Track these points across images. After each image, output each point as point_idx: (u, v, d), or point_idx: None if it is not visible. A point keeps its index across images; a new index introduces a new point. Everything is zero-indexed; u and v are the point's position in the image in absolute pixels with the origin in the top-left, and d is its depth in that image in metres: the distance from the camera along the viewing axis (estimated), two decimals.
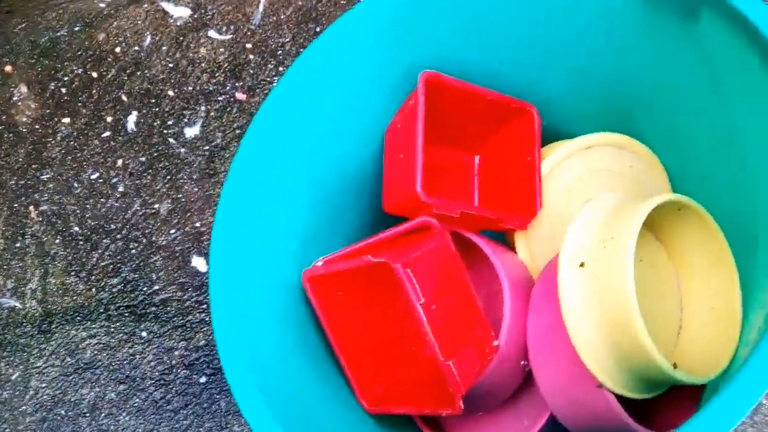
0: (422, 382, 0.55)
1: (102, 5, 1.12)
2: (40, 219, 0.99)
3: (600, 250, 0.50)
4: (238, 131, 0.98)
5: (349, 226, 0.64)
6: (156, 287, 0.91)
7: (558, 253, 0.55)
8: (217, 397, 0.84)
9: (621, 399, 0.51)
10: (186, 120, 1.00)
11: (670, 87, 0.54)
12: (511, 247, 0.64)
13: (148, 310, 0.90)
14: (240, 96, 1.01)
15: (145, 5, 1.10)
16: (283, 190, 0.57)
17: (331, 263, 0.57)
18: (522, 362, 0.57)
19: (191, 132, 0.99)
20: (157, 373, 0.87)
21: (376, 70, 0.58)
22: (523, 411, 0.62)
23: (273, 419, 0.45)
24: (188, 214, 0.94)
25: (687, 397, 0.55)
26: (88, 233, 0.96)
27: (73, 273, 0.95)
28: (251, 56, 1.03)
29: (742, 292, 0.52)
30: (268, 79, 1.01)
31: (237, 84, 1.02)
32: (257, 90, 1.01)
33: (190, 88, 1.02)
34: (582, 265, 0.51)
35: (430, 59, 0.59)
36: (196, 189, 0.96)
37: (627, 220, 0.49)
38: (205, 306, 0.89)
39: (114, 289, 0.93)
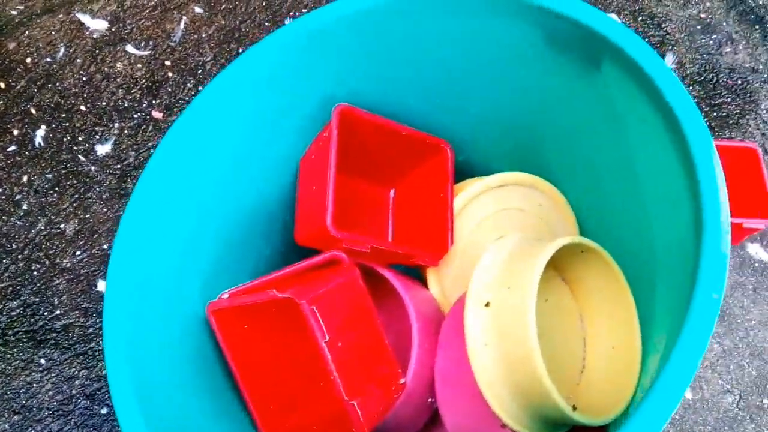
0: (327, 420, 0.54)
1: (14, 12, 1.07)
2: None
3: (504, 291, 0.50)
4: (152, 151, 0.95)
5: (259, 255, 0.63)
6: (58, 312, 0.87)
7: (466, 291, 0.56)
8: (119, 430, 0.80)
9: None
10: (98, 137, 0.97)
11: (574, 128, 0.55)
12: (423, 281, 0.64)
13: (48, 336, 0.86)
14: (156, 114, 0.98)
15: (60, 15, 1.06)
16: (189, 217, 0.55)
17: (237, 296, 0.55)
18: (429, 399, 0.57)
19: (103, 149, 0.95)
20: (55, 403, 0.82)
21: (291, 101, 0.57)
22: None
23: None
24: (96, 236, 0.90)
25: None
26: None
27: None
28: (170, 74, 1.00)
29: (641, 332, 0.53)
30: (187, 98, 0.99)
31: (154, 102, 0.99)
32: (175, 109, 0.98)
33: (104, 104, 0.99)
34: (487, 304, 0.51)
35: (346, 92, 0.58)
36: (106, 209, 0.92)
37: (530, 262, 0.49)
38: None
39: (12, 313, 0.88)
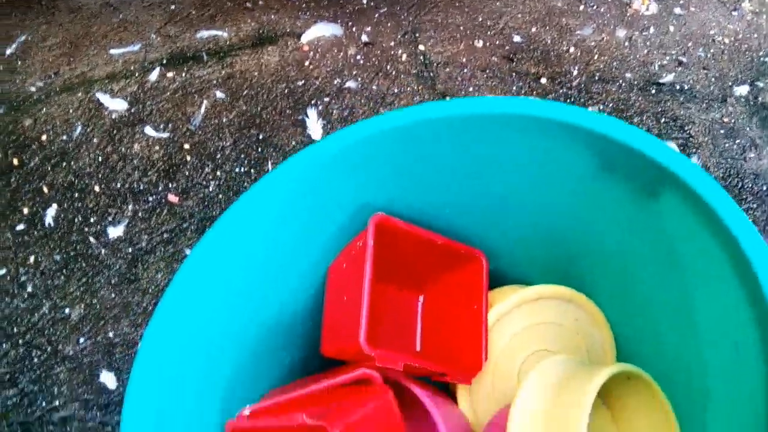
0: None
1: (32, 89, 1.07)
2: None
3: (550, 423, 0.47)
4: (165, 235, 0.93)
5: (281, 365, 0.60)
6: (56, 403, 0.82)
7: (501, 411, 0.53)
8: None
9: None
10: (110, 219, 0.94)
11: (622, 252, 0.53)
12: (453, 395, 0.60)
13: (45, 429, 0.81)
14: (172, 198, 0.96)
15: (80, 94, 1.05)
16: (211, 331, 0.52)
17: (259, 415, 0.52)
18: None
19: (115, 232, 0.93)
20: None
21: (324, 211, 0.55)
22: None
23: None
24: (102, 323, 0.87)
25: None
26: None
27: None
28: (188, 157, 0.99)
29: None
30: (204, 182, 0.97)
31: (170, 185, 0.97)
32: (191, 193, 0.96)
33: (119, 185, 0.97)
34: None
35: (382, 201, 0.56)
36: (114, 295, 0.89)
37: (576, 396, 0.46)
38: (109, 429, 0.80)
39: (9, 402, 0.83)
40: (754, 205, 0.93)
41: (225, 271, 0.52)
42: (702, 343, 0.47)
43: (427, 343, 0.62)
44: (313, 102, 1.02)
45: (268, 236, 0.53)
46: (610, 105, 1.00)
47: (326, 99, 1.02)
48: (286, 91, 1.03)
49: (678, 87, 1.02)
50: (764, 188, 0.94)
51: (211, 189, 0.96)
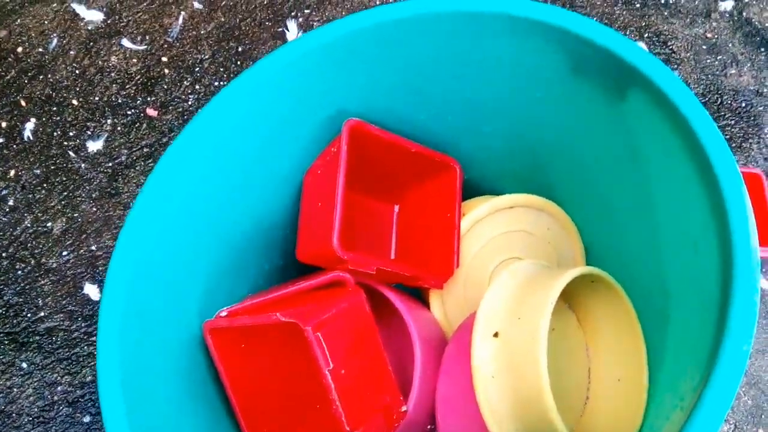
0: None
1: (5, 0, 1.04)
2: None
3: (514, 322, 0.49)
4: (146, 149, 0.93)
5: (259, 270, 0.61)
6: (41, 314, 0.84)
7: (472, 315, 0.54)
8: None
9: None
10: (89, 132, 0.94)
11: (590, 156, 0.54)
12: (425, 301, 0.62)
13: (30, 339, 0.83)
14: (151, 112, 0.95)
15: (54, 5, 1.03)
16: (189, 232, 0.53)
17: (236, 315, 0.53)
18: (429, 426, 0.56)
19: (94, 146, 0.93)
20: (36, 410, 0.80)
21: (299, 114, 0.55)
22: None
23: None
24: (84, 236, 0.88)
25: None
26: None
27: None
28: (166, 70, 0.97)
29: (650, 370, 0.52)
30: (183, 96, 0.96)
31: (149, 99, 0.96)
32: (170, 107, 0.96)
33: (97, 99, 0.96)
34: (496, 335, 0.49)
35: (356, 106, 0.56)
36: (95, 209, 0.89)
37: (543, 293, 0.48)
38: (94, 338, 0.82)
39: None
40: (732, 122, 0.93)
41: (199, 176, 0.52)
42: (663, 245, 0.49)
43: (401, 251, 0.64)
44: (293, 14, 1.00)
45: (243, 141, 0.53)
46: (594, 18, 0.99)
47: (306, 11, 1.00)
48: (265, 1, 1.01)
49: (663, 1, 1.01)
50: (743, 105, 0.95)
51: (190, 103, 0.95)
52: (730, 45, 0.99)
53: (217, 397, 0.54)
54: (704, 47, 0.98)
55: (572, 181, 0.59)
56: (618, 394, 0.55)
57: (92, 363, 0.81)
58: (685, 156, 0.43)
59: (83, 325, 0.83)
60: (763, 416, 0.77)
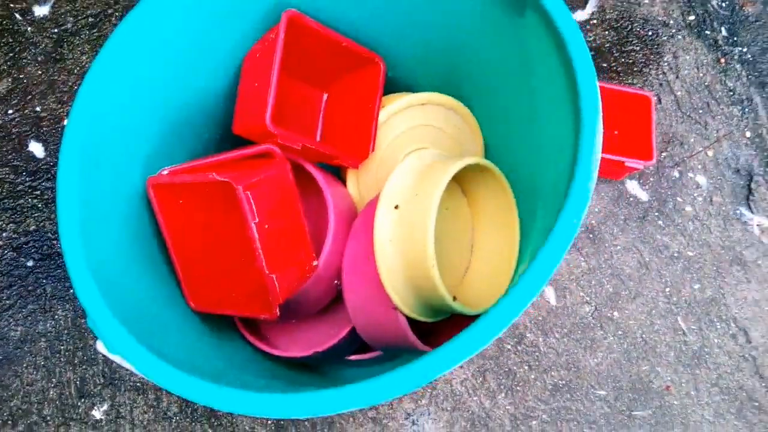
0: (246, 290, 0.62)
1: None
2: None
3: (413, 197, 0.59)
4: (91, 19, 0.96)
5: (198, 139, 0.68)
6: None
7: (380, 192, 0.64)
8: (44, 281, 0.86)
9: (410, 321, 0.62)
10: None
11: (492, 62, 0.63)
12: (343, 180, 0.72)
13: None
14: None
15: None
16: (136, 100, 0.60)
17: (176, 174, 0.61)
18: (335, 282, 0.66)
19: (41, 11, 0.95)
20: None
21: (241, 4, 0.61)
22: (331, 322, 0.72)
23: (107, 307, 0.50)
24: (29, 97, 0.92)
25: (466, 325, 0.67)
26: None
27: None
28: None
29: (520, 244, 0.64)
30: None
31: None
32: None
33: None
34: (396, 207, 0.60)
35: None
36: (40, 72, 0.93)
37: (438, 175, 0.58)
38: (38, 192, 0.89)
39: None
40: (637, 48, 1.04)
41: (148, 52, 0.59)
42: (542, 147, 0.59)
43: (326, 133, 0.72)
44: None
45: (187, 26, 0.59)
46: None
47: None
48: None
49: None
50: (650, 33, 1.05)
51: None
52: None
53: (158, 249, 0.63)
54: None
55: (478, 85, 0.68)
56: (492, 265, 0.67)
57: (36, 214, 0.88)
58: (561, 74, 0.52)
59: (27, 179, 0.89)
60: (619, 301, 0.92)
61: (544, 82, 0.56)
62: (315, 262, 0.63)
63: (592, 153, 0.48)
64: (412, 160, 0.63)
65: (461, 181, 0.68)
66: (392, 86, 0.73)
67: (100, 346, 0.80)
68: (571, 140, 0.51)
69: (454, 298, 0.59)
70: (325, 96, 0.73)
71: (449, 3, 0.62)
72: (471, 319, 0.63)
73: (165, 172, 0.62)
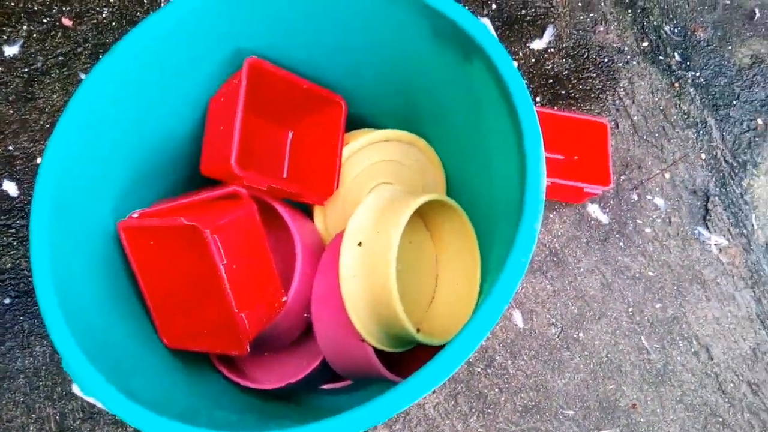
0: (217, 327, 0.64)
1: None
2: None
3: (374, 235, 0.61)
4: (60, 58, 0.98)
5: (166, 181, 0.70)
6: None
7: (344, 230, 0.66)
8: (21, 318, 0.87)
9: (378, 352, 0.64)
10: (5, 37, 0.98)
11: (447, 103, 0.66)
12: (311, 215, 0.74)
13: None
14: (66, 22, 1.00)
15: None
16: (104, 147, 0.62)
17: (146, 217, 0.63)
18: (305, 315, 0.68)
19: (10, 50, 0.97)
20: None
21: (204, 51, 0.64)
22: (303, 354, 0.73)
23: (78, 348, 0.52)
24: (2, 137, 0.93)
25: (432, 355, 0.69)
26: None
27: None
28: None
29: (481, 276, 0.67)
30: (97, 8, 1.01)
31: (64, 8, 1.00)
32: (85, 18, 1.00)
33: (12, 3, 0.99)
34: (359, 244, 0.62)
35: (256, 45, 0.66)
36: (12, 111, 0.95)
37: (399, 212, 0.61)
38: (13, 230, 0.90)
39: None
40: (594, 75, 1.07)
41: (115, 98, 0.61)
42: (493, 179, 0.62)
43: (292, 172, 0.75)
44: None
45: (152, 72, 0.62)
46: None
47: None
48: None
49: None
50: (605, 60, 1.09)
51: (104, 15, 1.00)
52: (602, 4, 1.12)
53: (130, 286, 0.65)
54: (579, 4, 1.11)
55: (436, 122, 0.71)
56: (456, 296, 0.69)
57: (11, 252, 0.89)
58: (505, 116, 0.55)
59: (2, 217, 0.90)
60: (584, 322, 0.95)
61: (492, 122, 0.60)
62: (284, 298, 0.65)
63: (537, 195, 0.51)
64: (373, 198, 0.65)
65: (423, 214, 0.70)
66: (356, 122, 0.75)
67: (76, 389, 0.82)
68: (517, 180, 0.54)
69: (418, 330, 0.61)
70: (291, 134, 0.76)
71: (399, 46, 0.65)
72: (437, 348, 0.65)
73: (135, 215, 0.64)
